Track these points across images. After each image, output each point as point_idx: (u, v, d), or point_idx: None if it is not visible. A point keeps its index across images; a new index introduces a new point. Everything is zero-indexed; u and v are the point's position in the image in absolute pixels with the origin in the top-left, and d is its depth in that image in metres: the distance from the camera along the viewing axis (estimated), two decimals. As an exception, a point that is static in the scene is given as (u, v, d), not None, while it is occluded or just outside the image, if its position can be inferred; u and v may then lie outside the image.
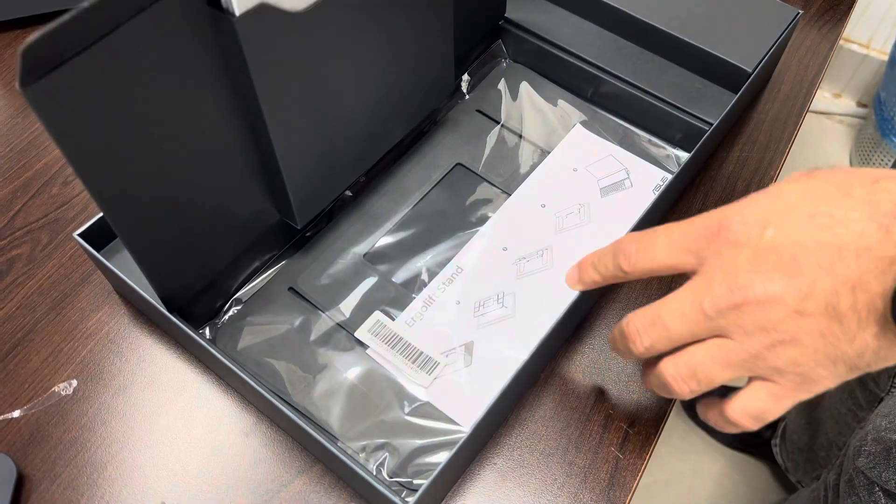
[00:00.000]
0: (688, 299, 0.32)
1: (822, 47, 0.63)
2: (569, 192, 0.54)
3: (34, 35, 0.26)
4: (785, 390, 0.32)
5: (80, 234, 0.45)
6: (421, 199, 0.54)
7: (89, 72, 0.30)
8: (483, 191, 0.54)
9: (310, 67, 0.40)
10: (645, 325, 0.34)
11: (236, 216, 0.44)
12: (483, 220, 0.53)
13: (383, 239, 0.52)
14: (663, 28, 0.56)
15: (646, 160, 0.55)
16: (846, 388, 0.84)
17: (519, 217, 0.53)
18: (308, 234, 0.52)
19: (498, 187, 0.55)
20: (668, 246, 0.34)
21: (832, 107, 1.60)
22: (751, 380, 0.33)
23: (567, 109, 0.58)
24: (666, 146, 0.56)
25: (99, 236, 0.47)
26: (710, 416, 0.36)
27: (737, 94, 0.54)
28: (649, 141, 0.57)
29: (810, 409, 0.97)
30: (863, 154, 1.49)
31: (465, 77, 0.60)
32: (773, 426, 1.17)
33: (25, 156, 0.57)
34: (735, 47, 0.54)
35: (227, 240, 0.45)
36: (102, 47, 0.30)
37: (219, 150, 0.40)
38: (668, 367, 0.34)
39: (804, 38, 0.63)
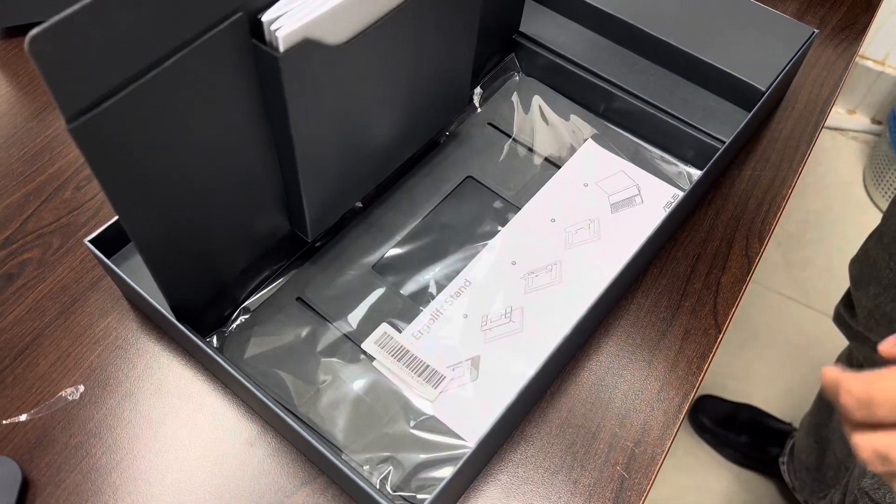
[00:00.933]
0: None
1: (837, 66, 0.62)
2: (579, 207, 0.54)
3: (64, 38, 0.26)
4: None
5: (91, 241, 0.46)
6: (431, 211, 0.54)
7: (134, 107, 0.30)
8: (493, 204, 0.54)
9: (341, 95, 0.40)
10: (852, 404, 0.34)
11: (251, 231, 0.45)
12: (492, 233, 0.53)
13: (392, 250, 0.52)
14: (677, 45, 0.56)
15: (657, 177, 0.55)
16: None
17: (528, 231, 0.53)
18: (318, 244, 0.52)
19: (508, 201, 0.55)
20: None
21: (846, 123, 1.59)
22: None
23: (578, 124, 0.58)
24: (678, 163, 0.56)
25: (110, 242, 0.47)
26: (837, 392, 0.35)
27: (750, 112, 0.53)
28: (661, 157, 0.56)
29: (819, 429, 0.96)
30: (877, 172, 1.48)
31: (478, 90, 0.60)
32: (781, 444, 1.16)
33: (39, 159, 0.57)
34: (749, 65, 0.54)
35: (239, 252, 0.45)
36: (149, 82, 0.30)
37: (243, 171, 0.40)
38: (861, 443, 0.34)
39: (819, 56, 0.63)
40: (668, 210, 0.52)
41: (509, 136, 0.58)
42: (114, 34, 0.28)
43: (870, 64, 1.50)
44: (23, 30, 0.64)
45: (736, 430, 1.20)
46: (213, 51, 0.32)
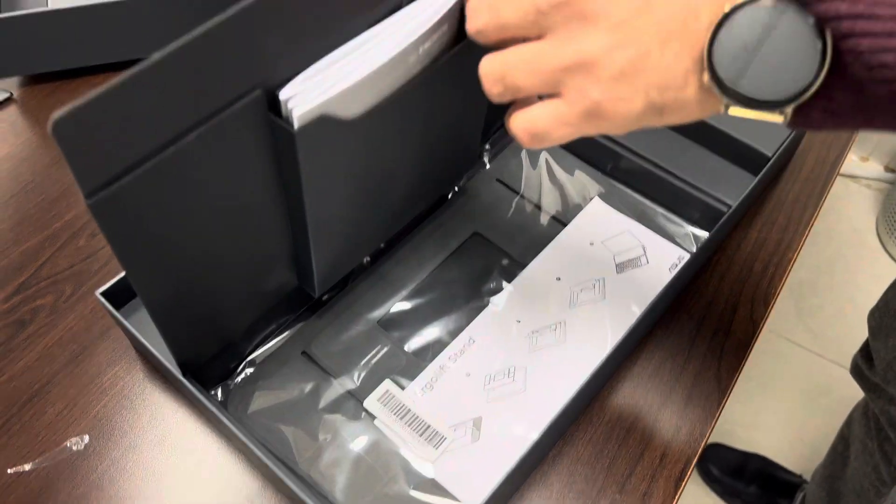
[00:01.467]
0: None
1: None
2: (585, 266, 0.54)
3: (87, 120, 0.27)
4: (573, 113, 0.31)
5: (102, 293, 0.47)
6: (437, 266, 0.54)
7: (152, 182, 0.31)
8: (499, 261, 0.55)
9: (354, 163, 0.41)
10: (480, 5, 0.33)
11: (260, 289, 0.45)
12: (498, 290, 0.53)
13: (398, 305, 0.52)
14: (684, 108, 0.56)
15: (663, 237, 0.55)
16: (870, 463, 0.82)
17: (534, 289, 0.53)
18: (324, 297, 0.53)
19: (514, 258, 0.55)
20: None
21: (859, 170, 1.59)
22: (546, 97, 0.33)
23: (585, 182, 0.59)
24: (684, 224, 0.56)
25: (120, 294, 0.48)
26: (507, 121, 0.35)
27: (756, 176, 0.54)
28: (667, 218, 0.57)
29: (832, 482, 0.95)
30: (890, 220, 1.48)
31: (488, 146, 0.61)
32: (791, 496, 1.15)
33: (57, 206, 0.58)
34: (756, 130, 0.55)
35: (247, 309, 0.46)
36: (167, 158, 0.31)
37: (255, 235, 0.41)
38: (484, 64, 0.34)
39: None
40: (674, 273, 0.52)
41: (517, 193, 0.59)
42: (134, 114, 0.29)
43: (883, 112, 1.50)
44: (44, 77, 0.66)
45: (745, 481, 1.19)
46: (231, 126, 0.33)
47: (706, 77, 0.29)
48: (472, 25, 0.34)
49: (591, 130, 0.32)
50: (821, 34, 0.27)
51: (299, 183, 0.37)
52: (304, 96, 0.34)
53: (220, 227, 0.38)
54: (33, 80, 0.66)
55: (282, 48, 0.33)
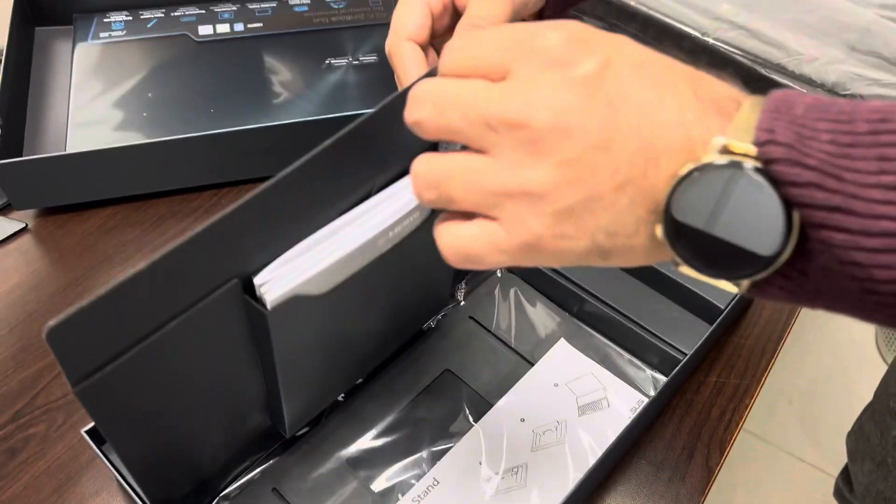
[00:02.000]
0: (480, 93, 0.29)
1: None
2: (548, 407, 0.57)
3: (77, 325, 0.30)
4: (510, 242, 0.29)
5: (86, 431, 0.50)
6: (407, 403, 0.57)
7: (134, 367, 0.34)
8: (468, 399, 0.58)
9: (324, 328, 0.44)
10: (425, 97, 0.30)
11: (232, 432, 0.48)
12: (464, 430, 0.56)
13: (368, 443, 0.55)
14: (645, 257, 0.60)
15: (624, 381, 0.58)
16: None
17: (498, 431, 0.55)
18: (297, 433, 0.55)
19: (482, 396, 0.58)
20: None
21: (858, 281, 1.61)
22: (479, 216, 0.30)
23: (553, 323, 0.62)
24: (645, 368, 0.59)
25: (105, 431, 0.51)
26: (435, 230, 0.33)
27: (712, 325, 0.57)
28: (629, 361, 0.60)
29: None
30: (887, 333, 1.48)
31: (463, 285, 0.64)
32: None
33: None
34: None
35: (221, 450, 0.49)
36: (148, 346, 0.34)
37: (230, 394, 0.44)
38: (418, 164, 0.31)
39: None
40: (633, 416, 0.54)
41: (489, 331, 0.62)
42: (119, 315, 0.32)
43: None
44: (58, 209, 0.72)
45: None
46: (209, 312, 0.36)
47: (659, 232, 0.27)
48: (412, 116, 0.31)
49: (526, 262, 0.30)
50: (787, 216, 0.25)
51: (271, 353, 0.41)
52: (276, 282, 0.37)
53: (198, 394, 0.41)
54: (47, 212, 0.72)
55: (257, 241, 0.36)
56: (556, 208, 0.28)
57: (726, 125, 0.26)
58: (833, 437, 1.42)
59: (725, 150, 0.26)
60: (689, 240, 0.27)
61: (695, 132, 0.26)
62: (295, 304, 0.38)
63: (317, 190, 0.37)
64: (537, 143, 0.27)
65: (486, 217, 0.29)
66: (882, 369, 1.52)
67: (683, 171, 0.26)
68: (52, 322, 0.29)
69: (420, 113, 0.30)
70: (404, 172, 0.41)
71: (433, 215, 0.42)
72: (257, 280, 0.37)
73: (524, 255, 0.29)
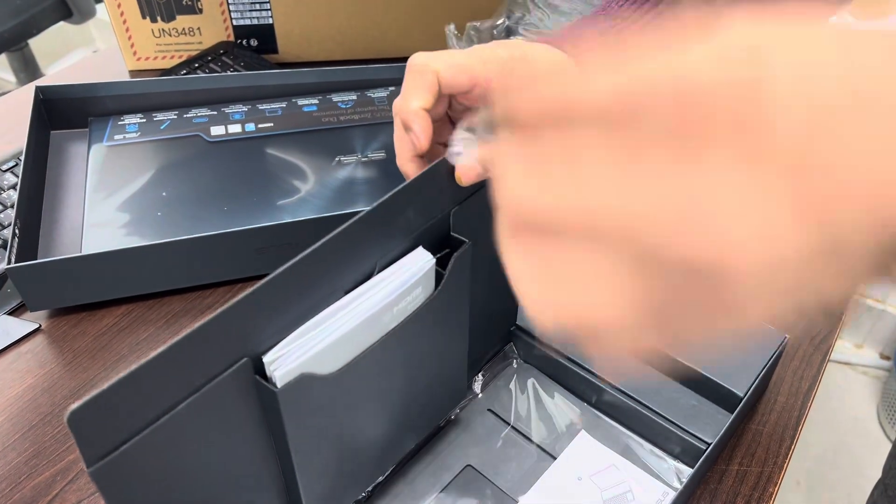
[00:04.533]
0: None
1: (814, 358, 0.67)
2: (574, 503, 0.56)
3: (96, 408, 0.31)
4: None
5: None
6: (430, 501, 0.56)
7: (147, 447, 0.35)
8: (492, 495, 0.57)
9: (337, 411, 0.45)
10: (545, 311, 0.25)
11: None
12: (489, 528, 0.55)
13: (392, 545, 0.54)
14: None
15: (647, 472, 0.58)
16: None
17: (524, 528, 0.55)
18: (321, 536, 0.54)
19: (506, 493, 0.57)
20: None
21: (854, 358, 1.62)
22: None
23: (572, 413, 0.62)
24: (667, 458, 0.59)
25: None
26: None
27: (732, 413, 0.57)
28: (651, 451, 0.59)
29: None
30: (890, 409, 1.48)
31: (479, 376, 0.65)
32: None
33: (71, 438, 0.61)
34: (728, 370, 0.59)
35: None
36: (161, 426, 0.35)
37: (247, 480, 0.44)
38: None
39: (796, 350, 0.68)
40: (659, 510, 0.54)
41: (508, 424, 0.62)
42: (135, 397, 0.33)
43: (870, 302, 1.56)
44: (71, 308, 0.72)
45: None
46: (220, 391, 0.37)
47: None
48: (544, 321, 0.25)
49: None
50: None
51: (284, 435, 0.41)
52: (285, 359, 0.39)
53: (214, 476, 0.41)
54: (61, 312, 0.72)
55: (266, 324, 0.38)
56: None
57: None
58: (845, 519, 1.40)
59: None
60: None
61: None
62: (305, 383, 0.40)
63: (323, 274, 0.40)
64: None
65: None
66: (885, 444, 1.51)
67: None
68: (74, 405, 0.30)
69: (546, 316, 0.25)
70: (405, 250, 0.45)
71: (437, 295, 0.46)
72: (267, 359, 0.38)
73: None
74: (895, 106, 0.18)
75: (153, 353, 0.32)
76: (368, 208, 0.40)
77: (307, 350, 0.39)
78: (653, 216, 0.20)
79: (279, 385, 0.39)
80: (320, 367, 0.41)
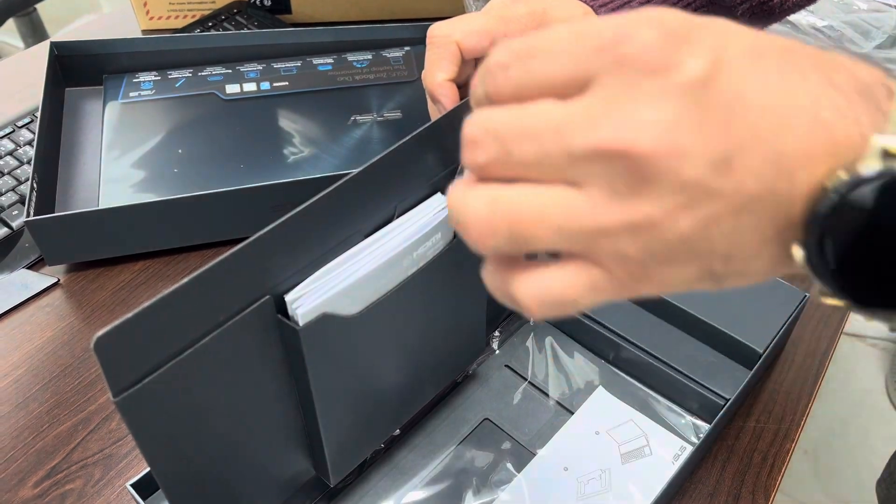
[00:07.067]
0: (556, 119, 0.24)
1: (833, 318, 0.67)
2: (591, 456, 0.57)
3: (122, 337, 0.31)
4: (611, 281, 0.24)
5: (132, 485, 0.49)
6: (449, 454, 0.57)
7: (171, 380, 0.35)
8: (509, 448, 0.57)
9: (358, 356, 0.45)
10: (485, 137, 0.25)
11: (276, 478, 0.48)
12: (507, 480, 0.55)
13: (410, 495, 0.54)
14: (680, 305, 0.61)
15: (665, 427, 0.58)
16: None
17: (542, 481, 0.55)
18: (339, 485, 0.55)
19: (523, 445, 0.57)
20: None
21: (865, 329, 1.62)
22: (566, 256, 0.25)
23: (589, 370, 0.62)
24: (685, 414, 0.59)
25: (148, 485, 0.51)
26: (489, 278, 0.28)
27: (751, 370, 0.57)
28: (668, 407, 0.60)
29: None
30: (899, 380, 1.48)
31: (497, 332, 0.65)
32: None
33: (92, 389, 0.62)
34: (747, 327, 0.59)
35: (265, 498, 0.48)
36: (185, 359, 0.35)
37: (269, 424, 0.44)
38: (476, 205, 0.25)
39: (816, 308, 0.68)
40: (678, 464, 0.54)
41: (525, 379, 0.62)
42: (160, 328, 0.33)
43: (882, 274, 1.55)
44: (89, 264, 0.72)
45: None
46: (243, 328, 0.37)
47: (798, 254, 0.23)
48: (474, 160, 0.25)
49: (626, 296, 0.25)
50: None
51: (306, 375, 0.41)
52: (306, 298, 0.39)
53: (236, 417, 0.41)
54: (79, 267, 0.72)
55: (287, 262, 0.38)
56: (666, 239, 0.23)
57: (881, 120, 0.22)
58: (849, 487, 1.41)
59: (887, 154, 0.21)
60: (838, 263, 0.23)
61: (838, 132, 0.22)
62: (327, 323, 0.40)
63: (343, 214, 0.40)
64: (641, 171, 0.22)
65: (574, 257, 0.25)
66: (893, 416, 1.52)
67: (832, 181, 0.22)
68: (100, 332, 0.30)
69: (483, 155, 0.25)
70: (425, 196, 0.45)
71: (456, 243, 0.46)
72: (289, 297, 0.39)
73: (625, 292, 0.25)
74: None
75: (177, 284, 0.32)
76: (387, 150, 0.40)
77: (328, 290, 0.40)
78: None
79: (301, 323, 0.39)
80: (341, 308, 0.41)
